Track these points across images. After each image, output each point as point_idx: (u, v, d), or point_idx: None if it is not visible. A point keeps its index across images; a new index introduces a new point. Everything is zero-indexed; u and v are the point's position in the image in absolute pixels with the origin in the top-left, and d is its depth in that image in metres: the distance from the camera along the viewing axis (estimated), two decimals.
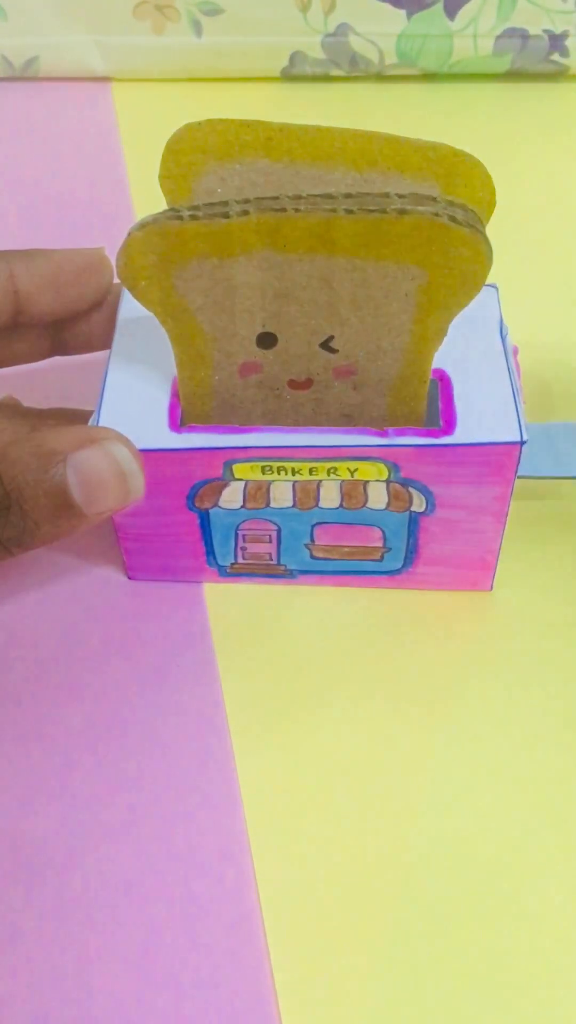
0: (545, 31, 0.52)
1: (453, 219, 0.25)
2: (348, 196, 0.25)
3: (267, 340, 0.28)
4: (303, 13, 0.52)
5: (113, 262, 0.28)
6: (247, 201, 0.25)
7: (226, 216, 0.25)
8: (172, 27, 0.53)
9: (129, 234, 0.26)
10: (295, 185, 0.28)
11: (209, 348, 0.28)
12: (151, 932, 0.26)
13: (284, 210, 0.25)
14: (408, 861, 0.27)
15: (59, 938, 0.26)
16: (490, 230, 0.26)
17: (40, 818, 0.28)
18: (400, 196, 0.25)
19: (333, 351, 0.28)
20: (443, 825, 0.28)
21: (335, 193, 0.25)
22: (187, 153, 0.28)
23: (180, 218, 0.25)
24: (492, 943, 0.26)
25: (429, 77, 0.55)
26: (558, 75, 0.55)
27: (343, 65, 0.54)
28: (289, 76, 0.55)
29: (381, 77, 0.55)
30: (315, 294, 0.27)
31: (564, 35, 0.52)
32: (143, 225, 0.26)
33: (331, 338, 0.28)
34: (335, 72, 0.55)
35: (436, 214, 0.25)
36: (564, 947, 0.26)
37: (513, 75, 0.54)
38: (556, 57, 0.53)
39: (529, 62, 0.53)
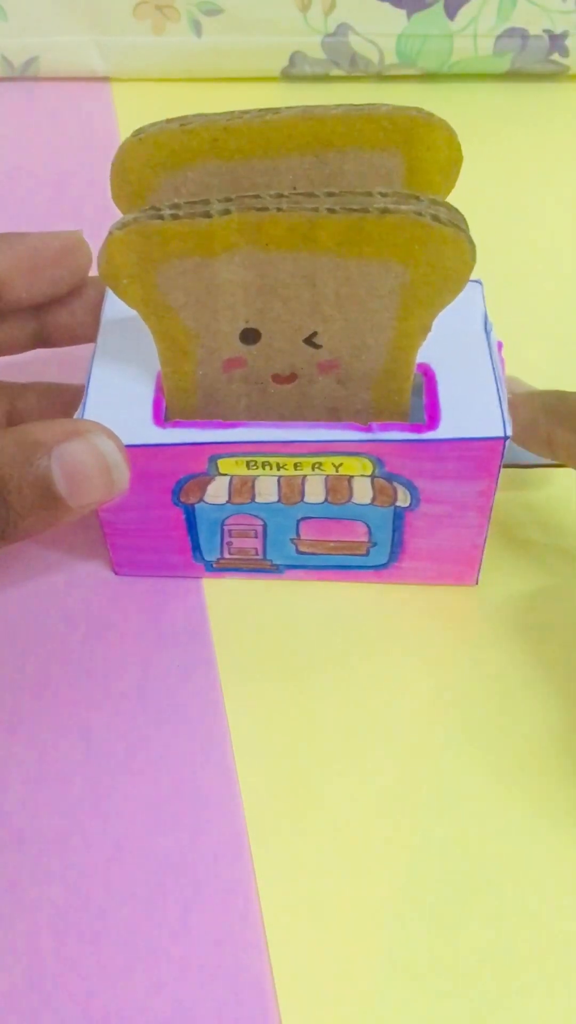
0: (545, 31, 0.52)
1: (436, 218, 0.25)
2: (330, 195, 0.25)
3: (250, 336, 0.28)
4: (303, 13, 0.52)
5: (95, 256, 0.28)
6: (229, 200, 0.25)
7: (207, 215, 0.25)
8: (172, 27, 0.53)
9: (110, 233, 0.26)
10: (250, 181, 0.28)
11: (192, 344, 0.28)
12: (150, 931, 0.26)
13: (266, 209, 0.25)
14: (404, 850, 0.27)
15: (56, 937, 0.26)
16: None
17: (33, 818, 0.28)
18: (383, 195, 0.25)
19: (317, 346, 0.28)
20: (438, 817, 0.28)
21: (317, 192, 0.25)
22: (135, 171, 0.28)
23: (161, 217, 0.25)
24: (492, 939, 0.26)
25: (429, 77, 0.55)
26: (558, 75, 0.54)
27: (343, 65, 0.54)
28: (289, 76, 0.55)
29: (381, 77, 0.55)
30: (298, 291, 0.27)
31: (564, 35, 0.52)
32: (123, 225, 0.26)
33: (315, 334, 0.28)
34: (335, 72, 0.55)
35: (419, 213, 0.25)
36: (563, 943, 0.26)
37: (513, 75, 0.54)
38: (556, 57, 0.53)
39: (529, 62, 0.53)
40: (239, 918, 0.26)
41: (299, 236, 0.26)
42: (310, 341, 0.28)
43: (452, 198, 0.27)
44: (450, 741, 0.29)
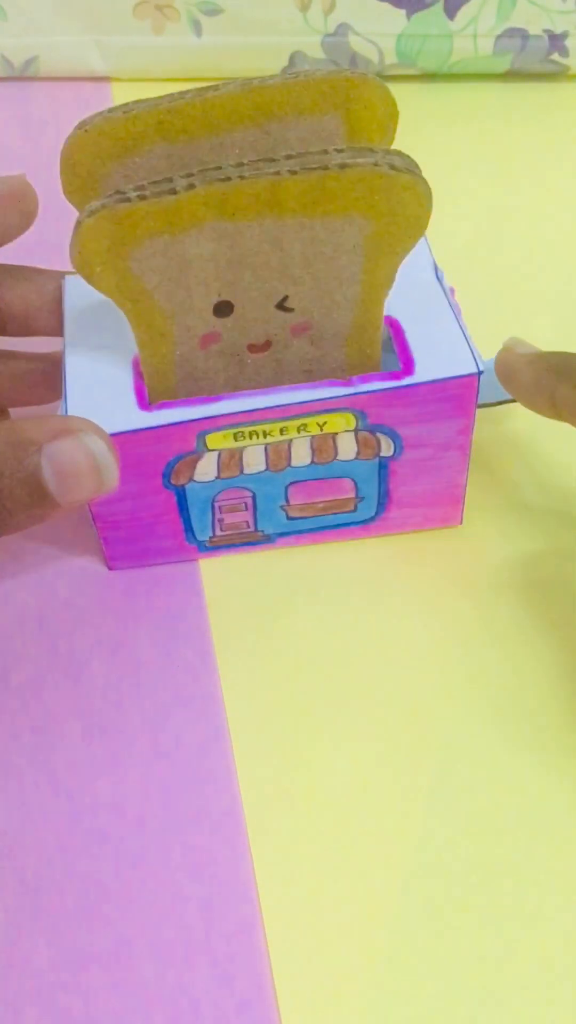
0: (545, 31, 0.52)
1: (392, 166, 0.26)
2: (289, 157, 0.26)
3: (224, 308, 0.28)
4: (303, 13, 0.52)
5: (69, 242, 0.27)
6: (191, 175, 0.26)
7: (173, 192, 0.26)
8: (172, 27, 0.53)
9: (79, 222, 0.26)
10: (198, 160, 0.28)
11: (168, 325, 0.28)
12: (148, 932, 0.26)
13: (229, 179, 0.26)
14: (406, 833, 0.27)
15: (54, 936, 0.26)
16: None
17: (29, 815, 0.28)
18: (338, 151, 0.26)
19: (289, 310, 0.29)
20: (442, 796, 0.28)
21: (276, 156, 0.26)
22: (83, 163, 0.28)
23: (128, 200, 0.26)
24: (494, 935, 0.26)
25: (429, 77, 0.55)
26: (558, 75, 0.54)
27: (343, 65, 0.54)
28: None
29: (381, 77, 0.55)
30: (267, 257, 0.27)
31: (564, 35, 0.52)
32: (92, 211, 0.26)
33: (286, 298, 0.28)
34: None
35: (376, 164, 0.26)
36: (562, 940, 0.26)
37: (513, 75, 0.54)
38: (556, 57, 0.53)
39: (529, 62, 0.53)
40: (237, 908, 0.26)
41: (263, 202, 0.26)
42: (281, 306, 0.29)
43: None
44: (454, 700, 0.30)
